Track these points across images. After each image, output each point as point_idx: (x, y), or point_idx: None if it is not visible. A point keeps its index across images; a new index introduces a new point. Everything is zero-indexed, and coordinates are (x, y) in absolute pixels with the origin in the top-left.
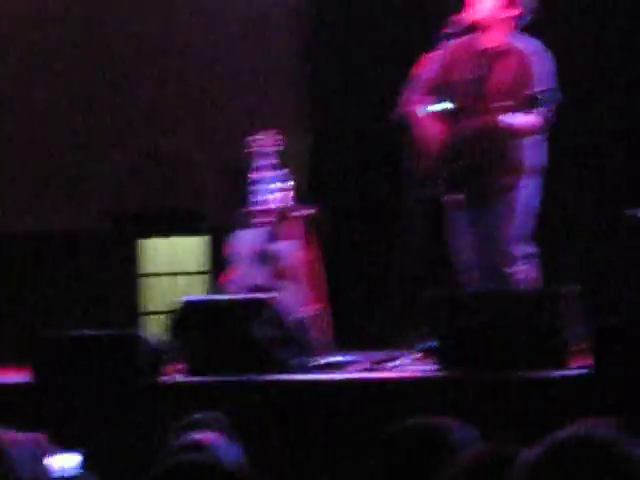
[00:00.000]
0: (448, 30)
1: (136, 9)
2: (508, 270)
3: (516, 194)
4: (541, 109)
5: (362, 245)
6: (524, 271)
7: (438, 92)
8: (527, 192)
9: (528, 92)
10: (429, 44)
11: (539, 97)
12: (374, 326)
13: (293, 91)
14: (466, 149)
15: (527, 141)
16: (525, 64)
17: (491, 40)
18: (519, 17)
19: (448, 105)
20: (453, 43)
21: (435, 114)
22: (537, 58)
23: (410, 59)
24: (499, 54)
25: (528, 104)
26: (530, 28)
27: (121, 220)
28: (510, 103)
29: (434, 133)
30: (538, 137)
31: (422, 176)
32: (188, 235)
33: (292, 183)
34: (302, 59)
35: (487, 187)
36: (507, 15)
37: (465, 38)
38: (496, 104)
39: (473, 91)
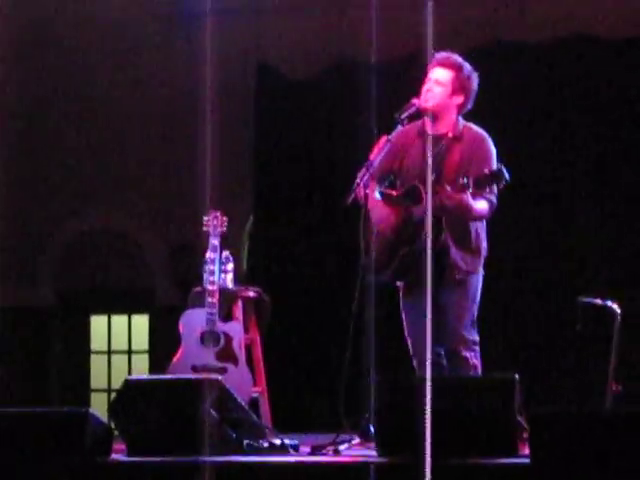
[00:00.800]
0: (402, 114)
1: (80, 92)
2: (465, 354)
3: (473, 278)
4: (492, 195)
5: (303, 328)
6: (475, 357)
7: (391, 177)
8: (479, 277)
9: (485, 172)
10: (383, 127)
11: (497, 174)
12: (316, 409)
13: (237, 173)
14: (423, 232)
15: (481, 225)
16: (478, 147)
17: (443, 126)
18: (465, 104)
19: (401, 189)
20: (405, 128)
21: (388, 198)
22: (487, 142)
23: (358, 145)
24: (453, 139)
25: (486, 182)
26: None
27: (72, 297)
28: (467, 185)
29: (388, 218)
30: (484, 222)
31: (376, 261)
32: (137, 313)
33: (232, 265)
34: (249, 144)
35: (445, 270)
36: (456, 102)
37: (417, 123)
38: (454, 186)
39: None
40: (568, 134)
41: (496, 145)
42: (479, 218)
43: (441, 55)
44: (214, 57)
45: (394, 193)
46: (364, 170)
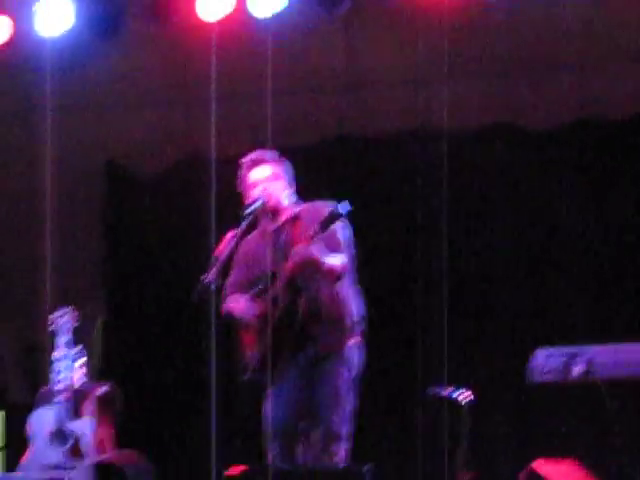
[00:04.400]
0: (247, 210)
1: None
2: (334, 449)
3: (340, 355)
4: (345, 254)
5: (157, 423)
6: (345, 450)
7: (242, 278)
8: (351, 354)
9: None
10: (227, 224)
11: (335, 211)
12: None
13: (88, 269)
14: (285, 317)
15: (347, 291)
16: (315, 214)
17: (281, 215)
18: (290, 187)
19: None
20: (245, 230)
21: (252, 296)
22: (321, 206)
23: (205, 241)
24: (291, 221)
25: (329, 221)
26: None
27: None
28: (315, 231)
29: (249, 314)
30: (357, 289)
31: (242, 360)
32: None
33: (85, 360)
34: (100, 238)
35: (305, 348)
36: (285, 190)
37: (255, 220)
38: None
39: (278, 263)
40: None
41: None
42: (331, 272)
43: (253, 156)
44: (58, 154)
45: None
46: (211, 266)
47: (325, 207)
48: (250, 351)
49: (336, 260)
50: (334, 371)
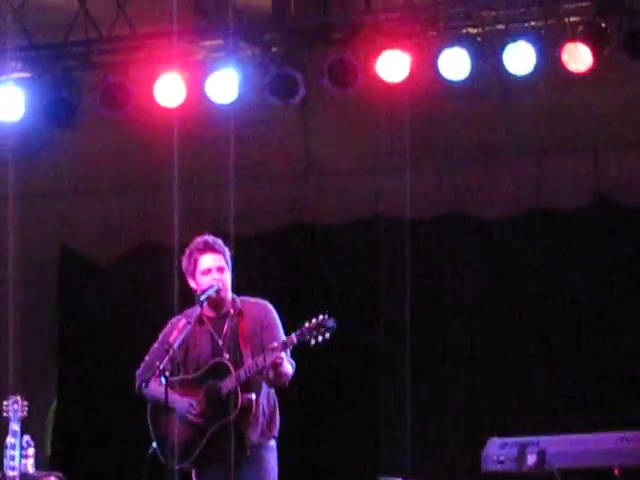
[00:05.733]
0: (203, 296)
1: None
2: None
3: (268, 453)
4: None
5: None
6: None
7: (181, 363)
8: (274, 453)
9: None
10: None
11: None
12: None
13: (40, 358)
14: (223, 408)
15: (273, 395)
16: (263, 316)
17: (224, 305)
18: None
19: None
20: (189, 317)
21: (188, 382)
22: (267, 308)
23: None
24: (237, 315)
25: (317, 331)
26: None
27: None
28: (286, 343)
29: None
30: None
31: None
32: None
33: (33, 450)
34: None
35: (249, 442)
36: (229, 280)
37: (189, 311)
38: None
39: (224, 353)
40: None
41: None
42: (285, 379)
43: (202, 240)
44: (17, 241)
45: (190, 377)
46: (163, 353)
47: (263, 307)
48: (172, 437)
49: (291, 368)
50: (259, 463)
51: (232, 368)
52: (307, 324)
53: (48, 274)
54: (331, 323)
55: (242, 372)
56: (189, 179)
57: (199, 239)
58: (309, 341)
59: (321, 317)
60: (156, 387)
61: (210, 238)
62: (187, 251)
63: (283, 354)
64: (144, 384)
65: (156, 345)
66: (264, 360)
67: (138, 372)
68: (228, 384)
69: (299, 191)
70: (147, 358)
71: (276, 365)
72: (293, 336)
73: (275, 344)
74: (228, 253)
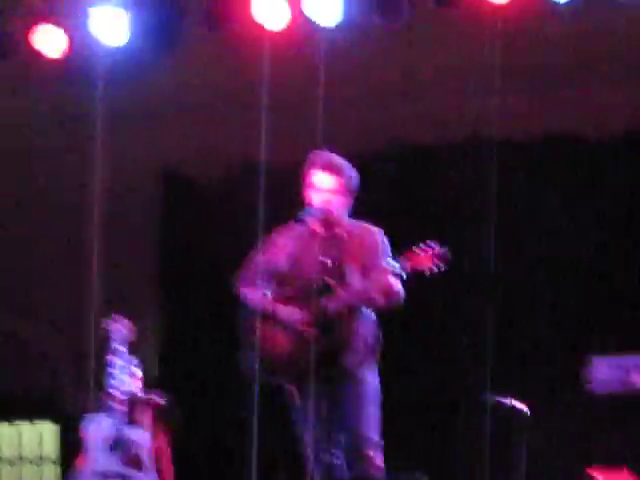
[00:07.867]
0: (303, 214)
1: None
2: (369, 453)
3: (369, 375)
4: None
5: (214, 434)
6: (380, 458)
7: (285, 278)
8: (376, 375)
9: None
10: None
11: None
12: None
13: (146, 281)
14: (327, 328)
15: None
16: (372, 241)
17: (335, 227)
18: (350, 204)
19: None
20: (295, 231)
21: (289, 298)
22: (379, 235)
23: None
24: (346, 238)
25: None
26: None
27: None
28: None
29: (292, 319)
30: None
31: (268, 364)
32: (40, 420)
33: (140, 372)
34: (153, 250)
35: (340, 366)
36: (344, 204)
37: (306, 226)
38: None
39: (331, 274)
40: None
41: None
42: (398, 300)
43: (322, 158)
44: (112, 164)
45: (293, 292)
46: (251, 265)
47: (376, 233)
48: (274, 349)
49: (402, 290)
50: (358, 383)
51: (337, 289)
52: (421, 253)
53: (146, 195)
54: (446, 253)
55: (348, 295)
56: (283, 100)
57: (319, 156)
58: (423, 270)
59: (437, 248)
60: (258, 296)
61: (331, 156)
62: (307, 161)
63: (392, 278)
64: (246, 290)
65: (259, 252)
66: (372, 284)
67: (241, 274)
68: (333, 304)
69: (394, 114)
70: (250, 263)
71: (385, 289)
72: (405, 263)
73: (385, 266)
74: (350, 177)
